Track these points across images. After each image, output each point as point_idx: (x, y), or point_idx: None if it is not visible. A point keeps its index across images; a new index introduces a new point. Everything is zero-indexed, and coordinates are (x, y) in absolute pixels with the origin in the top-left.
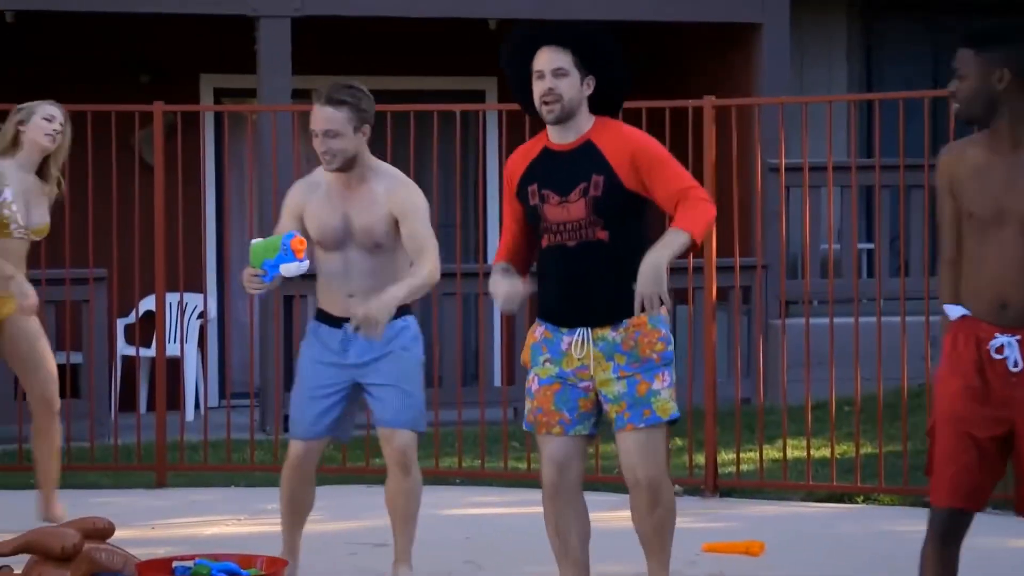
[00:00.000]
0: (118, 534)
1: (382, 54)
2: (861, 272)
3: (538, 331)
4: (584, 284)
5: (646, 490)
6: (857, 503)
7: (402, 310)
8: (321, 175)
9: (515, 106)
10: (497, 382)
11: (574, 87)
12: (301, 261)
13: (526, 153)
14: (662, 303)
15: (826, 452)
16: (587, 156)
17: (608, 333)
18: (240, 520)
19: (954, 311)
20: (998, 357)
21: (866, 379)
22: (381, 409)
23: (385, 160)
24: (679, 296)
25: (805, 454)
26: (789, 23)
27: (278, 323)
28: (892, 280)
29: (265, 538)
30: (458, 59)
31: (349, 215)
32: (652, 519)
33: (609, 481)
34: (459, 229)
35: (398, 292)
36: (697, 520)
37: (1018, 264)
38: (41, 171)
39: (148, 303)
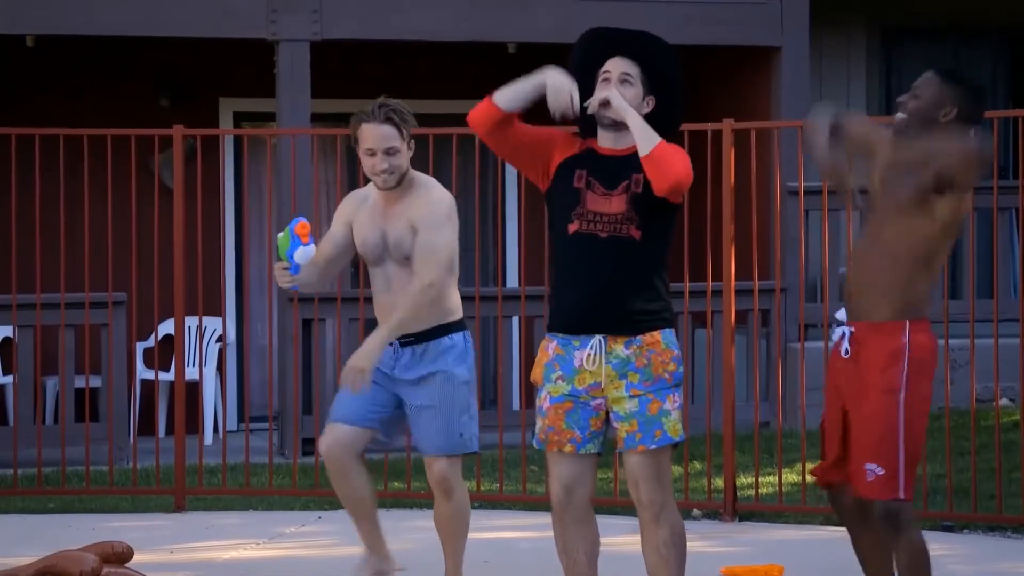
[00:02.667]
0: (136, 558)
1: (401, 77)
2: None
3: (550, 347)
4: (607, 279)
5: (648, 510)
6: None
7: (450, 327)
8: (371, 189)
9: None
10: (516, 405)
11: (636, 99)
12: (307, 245)
13: (569, 144)
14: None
15: None
16: (632, 161)
17: (621, 349)
18: (259, 544)
19: (842, 314)
20: (842, 345)
21: None
22: (418, 436)
23: None
24: (698, 319)
25: None
26: (808, 46)
27: (297, 347)
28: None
29: (284, 562)
30: (477, 83)
31: (385, 231)
32: (656, 542)
33: (629, 504)
34: (478, 253)
35: (380, 336)
36: (716, 544)
37: (860, 261)
38: None
39: (167, 327)
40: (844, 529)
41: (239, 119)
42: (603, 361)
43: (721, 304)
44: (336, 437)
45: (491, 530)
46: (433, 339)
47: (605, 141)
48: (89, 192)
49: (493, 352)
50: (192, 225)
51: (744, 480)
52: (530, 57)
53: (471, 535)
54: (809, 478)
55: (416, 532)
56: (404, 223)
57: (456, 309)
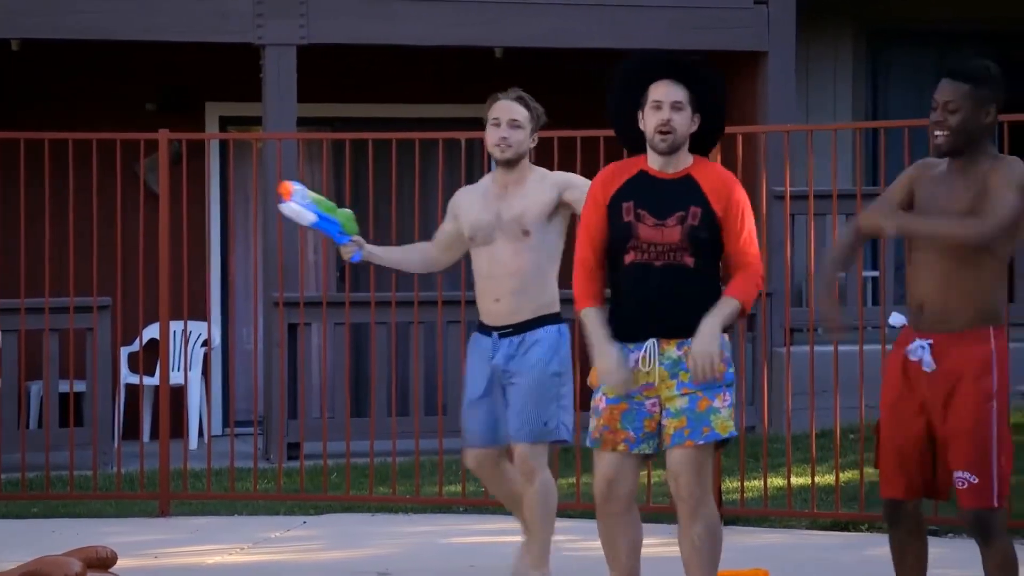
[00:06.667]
0: (121, 563)
1: (388, 82)
2: (866, 300)
3: None
4: (665, 301)
5: (687, 503)
6: (861, 531)
7: (544, 319)
8: (487, 180)
9: None
10: None
11: (686, 123)
12: (284, 203)
13: (620, 171)
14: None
15: (831, 480)
16: (687, 188)
17: (673, 351)
18: (244, 549)
19: (896, 319)
20: (914, 359)
21: (870, 407)
22: (507, 422)
23: (390, 188)
24: None
25: (810, 482)
26: (795, 51)
27: (283, 351)
28: (897, 308)
29: (269, 567)
30: (464, 87)
31: (500, 210)
32: (692, 535)
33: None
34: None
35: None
36: None
37: (935, 269)
38: None
39: (152, 331)
40: (828, 533)
41: (225, 123)
42: (656, 363)
43: None
44: (481, 455)
45: (476, 534)
46: (529, 330)
47: (654, 162)
48: (74, 196)
49: None
50: (178, 229)
51: (729, 484)
52: (517, 62)
53: (455, 539)
54: (795, 482)
55: (400, 537)
56: (533, 198)
57: (552, 302)
